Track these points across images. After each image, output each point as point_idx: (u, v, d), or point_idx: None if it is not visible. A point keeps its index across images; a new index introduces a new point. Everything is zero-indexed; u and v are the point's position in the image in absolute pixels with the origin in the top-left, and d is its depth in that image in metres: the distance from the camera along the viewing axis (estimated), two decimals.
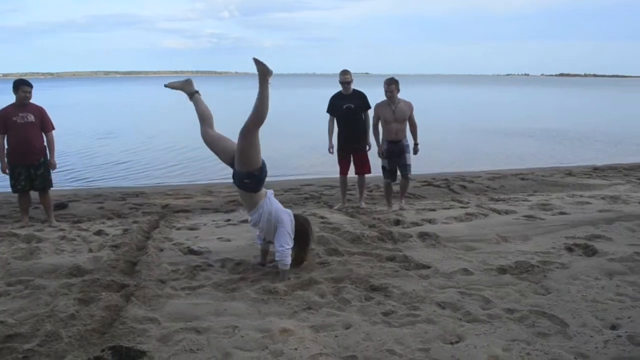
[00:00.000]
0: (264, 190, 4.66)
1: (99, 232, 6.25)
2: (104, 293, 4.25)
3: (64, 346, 3.40)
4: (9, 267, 4.99)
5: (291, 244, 4.61)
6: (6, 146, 6.78)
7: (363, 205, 7.79)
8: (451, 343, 3.42)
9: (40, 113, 6.87)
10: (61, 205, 8.17)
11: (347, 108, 7.45)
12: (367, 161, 7.70)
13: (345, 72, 7.54)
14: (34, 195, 7.23)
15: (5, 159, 6.79)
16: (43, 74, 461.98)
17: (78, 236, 6.12)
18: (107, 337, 3.52)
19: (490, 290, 4.28)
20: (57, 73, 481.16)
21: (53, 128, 7.02)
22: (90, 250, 5.51)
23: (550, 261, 4.97)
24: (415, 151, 7.48)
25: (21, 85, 6.75)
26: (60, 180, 10.80)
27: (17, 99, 6.78)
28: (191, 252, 5.35)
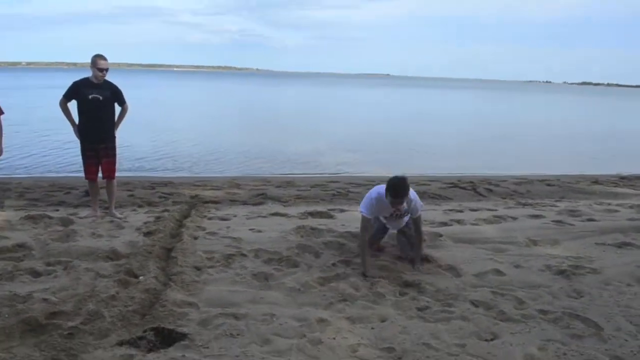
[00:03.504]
0: None
1: (130, 219, 6.37)
2: (141, 277, 4.36)
3: (107, 325, 3.50)
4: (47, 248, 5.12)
5: None
6: None
7: None
8: (486, 340, 3.47)
9: None
10: None
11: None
12: None
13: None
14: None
15: None
16: (67, 63, 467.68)
17: (111, 221, 6.24)
18: (148, 318, 3.62)
19: (522, 291, 4.31)
20: (80, 63, 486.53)
21: (2, 112, 6.29)
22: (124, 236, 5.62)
23: (581, 265, 4.98)
24: None
25: None
26: None
27: None
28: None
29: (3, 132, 6.39)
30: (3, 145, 6.50)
